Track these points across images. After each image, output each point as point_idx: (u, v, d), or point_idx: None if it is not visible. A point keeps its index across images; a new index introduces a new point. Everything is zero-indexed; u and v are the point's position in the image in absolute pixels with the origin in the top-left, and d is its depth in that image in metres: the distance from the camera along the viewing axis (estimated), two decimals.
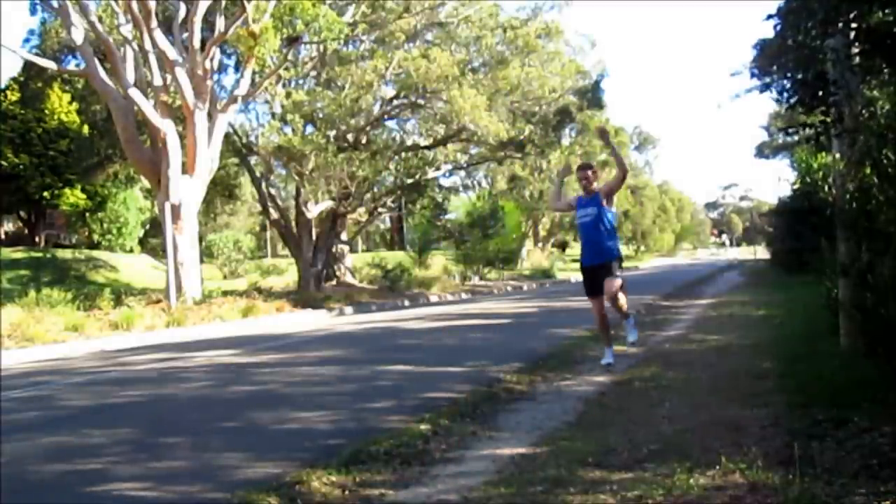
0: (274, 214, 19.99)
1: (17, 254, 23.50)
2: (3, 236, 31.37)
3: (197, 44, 14.76)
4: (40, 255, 24.07)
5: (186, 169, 15.11)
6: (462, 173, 31.58)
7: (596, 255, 6.22)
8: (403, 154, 21.57)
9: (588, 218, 6.20)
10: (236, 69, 19.04)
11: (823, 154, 10.41)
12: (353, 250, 28.43)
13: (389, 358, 7.44)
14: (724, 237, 78.94)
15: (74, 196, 25.92)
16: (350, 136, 19.58)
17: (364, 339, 9.98)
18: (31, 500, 3.41)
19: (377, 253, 32.75)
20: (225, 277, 26.61)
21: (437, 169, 23.27)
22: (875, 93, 5.09)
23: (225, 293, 16.05)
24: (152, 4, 14.25)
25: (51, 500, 3.40)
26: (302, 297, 16.53)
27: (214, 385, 6.43)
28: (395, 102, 20.33)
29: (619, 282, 6.09)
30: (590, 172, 6.33)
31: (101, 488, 3.46)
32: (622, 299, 6.18)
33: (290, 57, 17.20)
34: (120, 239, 27.03)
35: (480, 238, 27.56)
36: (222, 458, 3.90)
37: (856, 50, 4.82)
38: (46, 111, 25.41)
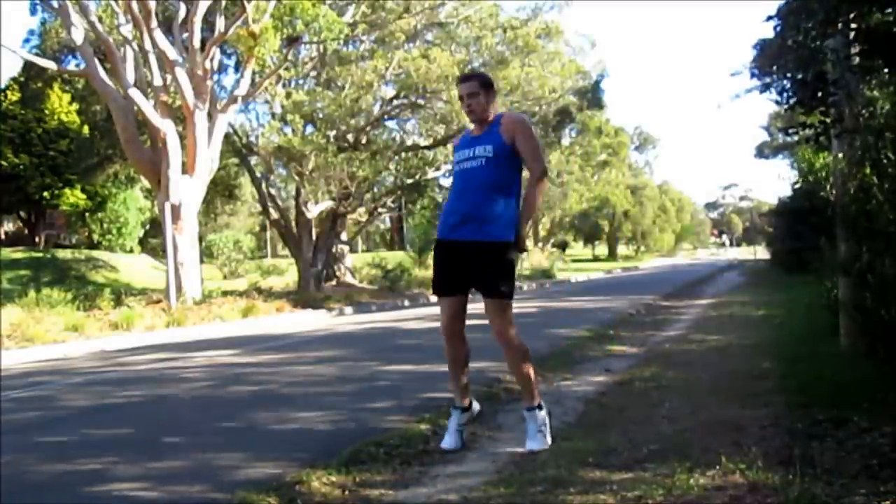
0: (274, 214, 19.99)
1: (17, 254, 23.51)
2: (3, 236, 31.39)
3: (197, 44, 14.76)
4: (40, 255, 24.08)
5: (186, 169, 15.11)
6: None
7: (474, 221, 3.54)
8: (403, 154, 21.57)
9: (476, 163, 3.58)
10: (236, 69, 19.07)
11: (825, 153, 10.42)
12: (353, 250, 28.44)
13: (389, 358, 7.43)
14: (724, 237, 78.95)
15: (74, 196, 25.93)
16: (350, 136, 19.59)
17: (364, 339, 9.97)
18: (31, 500, 3.41)
19: (377, 253, 32.76)
20: (225, 277, 26.62)
21: (437, 169, 23.26)
22: (875, 93, 5.09)
23: (225, 293, 16.06)
24: (152, 4, 14.24)
25: (51, 500, 3.40)
26: (302, 298, 16.53)
27: (214, 385, 6.42)
28: (395, 102, 20.33)
29: (509, 311, 3.67)
30: (477, 85, 3.62)
31: (101, 488, 3.46)
32: (525, 357, 3.69)
33: (290, 57, 17.19)
34: (120, 239, 27.04)
35: None
36: (222, 458, 3.90)
37: (855, 50, 4.82)
38: (46, 111, 25.42)
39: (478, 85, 3.63)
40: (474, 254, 3.57)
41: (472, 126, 3.77)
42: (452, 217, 3.64)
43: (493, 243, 3.55)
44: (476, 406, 4.03)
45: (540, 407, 3.75)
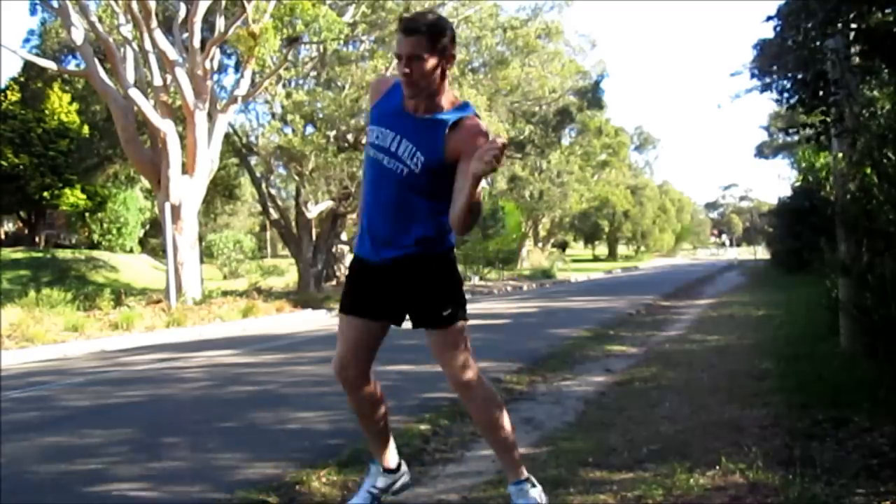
0: (274, 214, 20.00)
1: (17, 254, 23.50)
2: (3, 236, 31.38)
3: (197, 44, 14.76)
4: (40, 255, 24.07)
5: (186, 169, 15.11)
6: None
7: (396, 235, 2.62)
8: None
9: (394, 165, 2.52)
10: (236, 69, 19.06)
11: (825, 153, 10.44)
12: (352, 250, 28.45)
13: (389, 358, 7.37)
14: (724, 237, 78.97)
15: (74, 196, 25.91)
16: (350, 136, 19.60)
17: None
18: (31, 500, 3.41)
19: None
20: (225, 277, 26.60)
21: None
22: (875, 93, 5.10)
23: (225, 293, 16.05)
24: (152, 4, 14.24)
25: (51, 500, 3.39)
26: (302, 298, 16.53)
27: (214, 385, 6.42)
28: None
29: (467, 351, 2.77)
30: (425, 44, 2.36)
31: (101, 488, 3.46)
32: (501, 415, 2.70)
33: (290, 57, 17.20)
34: (120, 239, 27.02)
35: (480, 238, 27.56)
36: (222, 459, 3.90)
37: (855, 50, 4.82)
38: (46, 111, 25.41)
39: (426, 44, 2.36)
40: (406, 266, 2.64)
41: (406, 94, 2.47)
42: (374, 230, 2.66)
43: (431, 254, 2.64)
44: (404, 472, 2.91)
45: (532, 483, 2.63)
